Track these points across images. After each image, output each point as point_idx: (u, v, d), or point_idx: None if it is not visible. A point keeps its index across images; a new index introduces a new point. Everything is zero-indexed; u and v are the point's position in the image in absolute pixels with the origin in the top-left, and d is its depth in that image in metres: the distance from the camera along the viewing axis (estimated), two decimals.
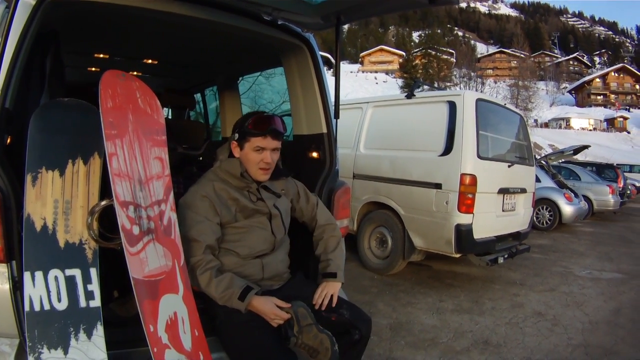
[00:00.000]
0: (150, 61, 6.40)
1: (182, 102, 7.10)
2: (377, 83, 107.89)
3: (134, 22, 4.30)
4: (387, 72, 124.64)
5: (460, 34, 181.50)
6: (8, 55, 2.68)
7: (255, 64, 6.11)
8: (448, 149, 7.51)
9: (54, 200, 2.71)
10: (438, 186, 7.47)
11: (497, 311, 6.82)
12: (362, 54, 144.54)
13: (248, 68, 6.46)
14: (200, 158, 5.58)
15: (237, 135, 3.18)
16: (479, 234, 7.33)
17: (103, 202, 2.75)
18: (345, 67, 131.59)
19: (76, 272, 2.68)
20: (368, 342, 3.26)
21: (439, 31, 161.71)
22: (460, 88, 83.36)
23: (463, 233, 7.17)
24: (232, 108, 6.76)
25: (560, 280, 8.84)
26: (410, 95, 8.54)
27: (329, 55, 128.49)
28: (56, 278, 2.62)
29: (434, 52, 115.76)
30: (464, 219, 7.20)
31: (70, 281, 2.65)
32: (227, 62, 6.07)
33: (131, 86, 2.96)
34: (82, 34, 4.75)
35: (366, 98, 9.97)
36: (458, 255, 7.53)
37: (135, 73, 6.56)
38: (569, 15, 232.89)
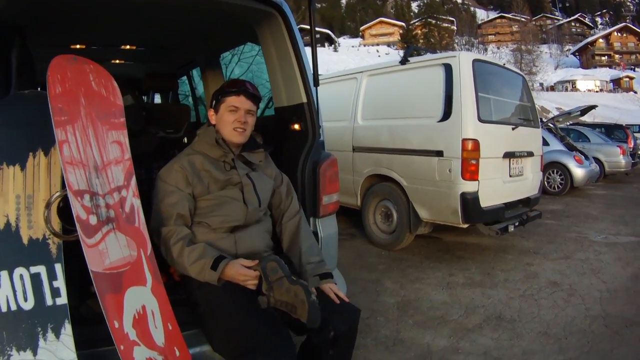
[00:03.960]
0: (128, 47, 6.34)
1: (164, 85, 6.97)
2: (379, 56, 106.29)
3: (99, 6, 4.31)
4: (388, 45, 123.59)
5: (459, 1, 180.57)
6: None
7: (233, 39, 5.95)
8: (447, 114, 7.18)
9: (16, 195, 2.58)
10: (439, 154, 7.14)
11: (510, 283, 6.50)
12: (362, 28, 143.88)
13: (227, 44, 6.29)
14: (185, 140, 5.41)
15: (213, 102, 3.21)
16: (486, 201, 6.99)
17: (57, 194, 2.58)
18: (346, 41, 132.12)
19: (41, 269, 2.53)
20: (355, 341, 2.98)
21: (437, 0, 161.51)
22: None
23: (469, 202, 6.84)
24: (215, 88, 6.40)
25: (575, 247, 8.48)
26: (404, 61, 8.19)
27: (329, 32, 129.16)
28: (21, 276, 2.48)
29: (434, 21, 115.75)
30: (469, 186, 6.86)
31: (36, 279, 2.51)
32: (205, 40, 5.91)
33: (83, 69, 2.81)
34: (51, 25, 4.73)
35: (360, 68, 9.63)
36: (466, 226, 7.20)
37: (117, 61, 6.97)
38: None
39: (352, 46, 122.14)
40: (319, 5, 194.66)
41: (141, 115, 4.98)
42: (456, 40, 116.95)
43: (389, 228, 8.23)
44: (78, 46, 5.92)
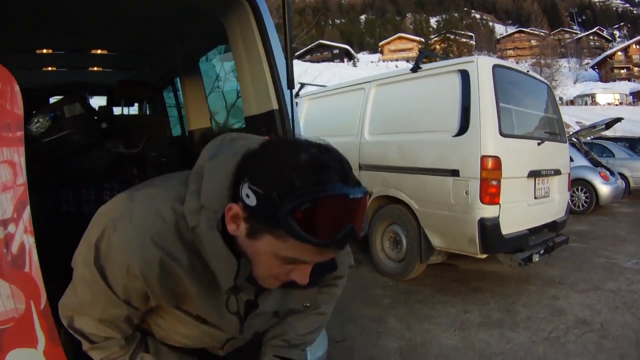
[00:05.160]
0: (99, 51, 5.82)
1: (137, 94, 6.42)
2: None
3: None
4: (407, 60, 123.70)
5: (477, 16, 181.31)
6: None
7: (207, 40, 5.38)
8: (463, 128, 6.32)
9: None
10: (455, 173, 6.28)
11: (533, 322, 5.64)
12: (381, 43, 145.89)
13: (202, 46, 5.76)
14: (163, 159, 4.82)
15: (254, 202, 1.33)
16: (508, 228, 6.11)
17: None
18: (365, 57, 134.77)
19: None
20: None
21: (456, 15, 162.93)
22: None
23: (488, 229, 5.96)
24: (194, 97, 6.13)
25: (605, 275, 7.59)
26: (415, 69, 7.31)
27: (348, 47, 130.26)
28: None
29: (452, 37, 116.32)
30: (488, 211, 5.98)
31: None
32: (178, 42, 5.37)
33: None
34: (11, 27, 4.42)
35: (368, 77, 8.78)
36: (484, 256, 6.30)
37: (95, 68, 6.49)
38: None
39: (371, 62, 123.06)
40: (338, 21, 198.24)
41: (92, 127, 4.33)
42: (475, 55, 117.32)
43: (398, 256, 7.38)
44: (44, 51, 5.52)
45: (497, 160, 5.99)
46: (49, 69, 6.23)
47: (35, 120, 4.11)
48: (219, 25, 3.78)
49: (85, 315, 1.68)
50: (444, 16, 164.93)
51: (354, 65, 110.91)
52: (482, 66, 6.39)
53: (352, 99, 8.48)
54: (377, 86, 8.10)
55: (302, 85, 11.72)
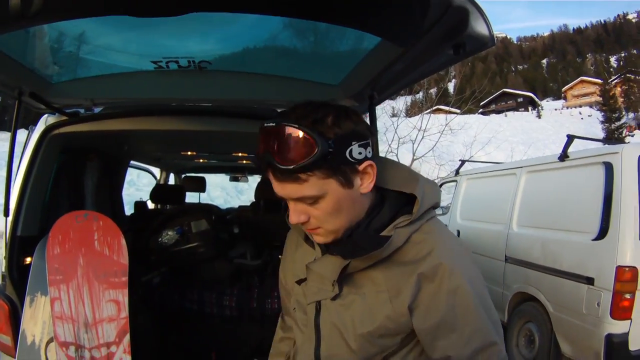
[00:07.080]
0: (240, 154, 6.75)
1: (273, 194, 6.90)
2: (582, 118, 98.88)
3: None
4: (590, 105, 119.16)
5: None
6: (16, 189, 3.16)
7: None
8: (603, 231, 5.85)
9: (43, 321, 2.96)
10: (590, 281, 5.87)
11: None
12: (564, 89, 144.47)
13: None
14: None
15: None
16: (638, 344, 5.62)
17: (46, 340, 2.94)
18: (549, 104, 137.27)
19: None
20: None
21: (635, 52, 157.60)
22: None
23: (614, 346, 5.54)
24: None
25: None
26: (562, 157, 6.93)
27: (532, 95, 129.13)
28: None
29: (633, 76, 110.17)
30: (617, 327, 5.55)
31: None
32: None
33: (89, 227, 3.05)
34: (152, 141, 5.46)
35: (520, 162, 8.74)
36: None
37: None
38: None
39: (555, 109, 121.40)
40: (520, 67, 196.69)
41: (214, 241, 4.87)
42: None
43: (530, 355, 7.08)
44: (189, 153, 6.60)
45: (633, 271, 5.58)
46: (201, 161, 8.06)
47: (165, 233, 4.71)
48: None
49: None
50: (622, 54, 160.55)
51: (538, 115, 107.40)
52: (626, 158, 5.88)
53: (504, 185, 8.33)
54: (528, 173, 7.85)
55: (462, 162, 11.68)
